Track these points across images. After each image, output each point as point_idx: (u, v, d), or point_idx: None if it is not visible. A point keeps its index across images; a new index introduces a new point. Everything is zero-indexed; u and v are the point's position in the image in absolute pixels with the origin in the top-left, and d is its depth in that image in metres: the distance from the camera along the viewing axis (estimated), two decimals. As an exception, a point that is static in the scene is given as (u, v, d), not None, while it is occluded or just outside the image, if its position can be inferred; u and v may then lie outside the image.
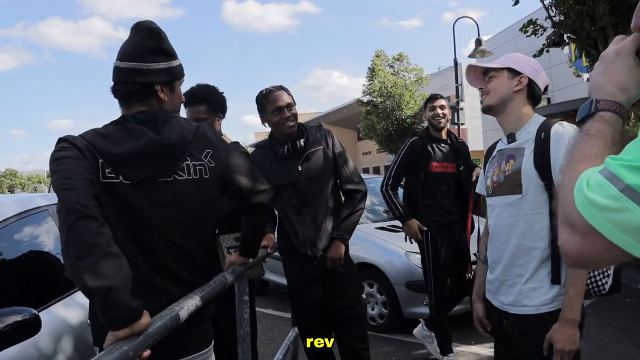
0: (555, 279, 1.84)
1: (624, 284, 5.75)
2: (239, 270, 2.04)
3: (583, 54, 11.15)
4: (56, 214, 2.77)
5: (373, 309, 5.01)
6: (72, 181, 1.40)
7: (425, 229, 3.83)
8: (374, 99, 30.22)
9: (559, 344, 1.76)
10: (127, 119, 1.63)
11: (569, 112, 22.28)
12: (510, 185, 1.93)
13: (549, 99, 26.10)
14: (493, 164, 2.08)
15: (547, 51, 11.71)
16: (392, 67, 31.12)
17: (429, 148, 3.84)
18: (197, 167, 1.68)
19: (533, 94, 1.99)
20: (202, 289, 1.65)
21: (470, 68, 2.10)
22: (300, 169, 2.81)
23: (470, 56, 15.39)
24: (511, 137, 2.01)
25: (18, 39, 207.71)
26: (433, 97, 4.12)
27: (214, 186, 1.74)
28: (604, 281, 1.87)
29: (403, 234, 5.20)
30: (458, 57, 17.92)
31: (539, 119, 1.97)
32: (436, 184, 3.84)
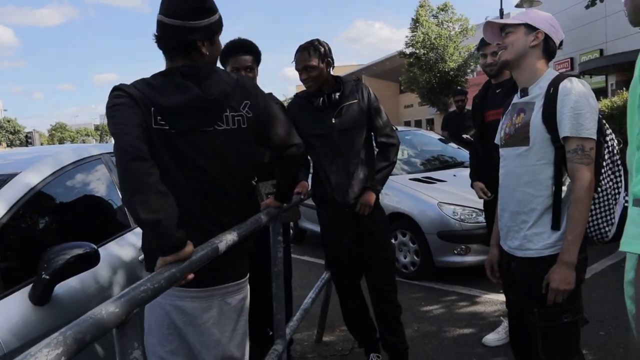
0: (556, 225, 1.97)
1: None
2: (273, 212, 2.22)
3: None
4: (108, 161, 3.02)
5: (405, 257, 5.20)
6: (126, 127, 1.57)
7: (490, 194, 3.42)
8: (417, 51, 29.54)
9: (554, 283, 1.91)
10: (173, 71, 1.78)
11: (622, 65, 21.30)
12: (520, 137, 2.04)
13: (601, 51, 24.96)
14: (507, 117, 2.19)
15: (602, 1, 11.19)
16: (436, 17, 30.20)
17: (487, 96, 3.55)
18: (236, 118, 1.83)
19: (548, 49, 2.06)
20: (239, 226, 1.84)
21: (488, 25, 2.17)
22: (334, 121, 2.93)
23: (517, 6, 14.84)
24: (524, 92, 2.09)
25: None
26: (481, 44, 3.45)
27: (251, 134, 1.89)
28: (607, 229, 1.98)
29: (437, 184, 5.34)
30: (505, 7, 17.26)
31: (551, 74, 2.03)
32: (491, 136, 3.04)
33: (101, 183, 3.00)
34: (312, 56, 2.90)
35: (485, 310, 4.14)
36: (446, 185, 5.31)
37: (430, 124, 44.59)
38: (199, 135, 1.76)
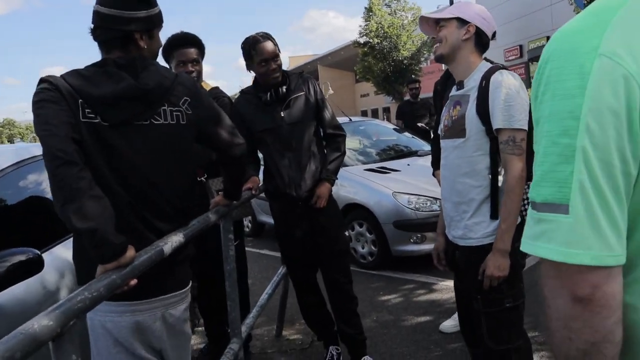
0: (494, 214, 2.05)
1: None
2: (222, 210, 2.19)
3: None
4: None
5: (363, 248, 5.23)
6: (53, 127, 1.48)
7: None
8: (371, 40, 29.71)
9: (489, 270, 2.00)
10: (107, 62, 1.69)
11: (567, 50, 22.02)
12: (457, 129, 2.10)
13: (548, 38, 25.66)
14: (446, 109, 2.24)
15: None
16: (389, 6, 30.42)
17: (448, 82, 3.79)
18: (174, 113, 1.76)
19: (481, 41, 2.11)
20: (186, 227, 1.79)
21: (422, 18, 2.21)
22: (282, 115, 2.91)
23: (466, -6, 15.05)
24: (460, 85, 2.15)
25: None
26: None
27: (190, 132, 1.82)
28: None
29: (391, 174, 5.38)
30: (455, -5, 17.50)
31: (484, 67, 2.09)
32: None
33: (45, 184, 2.89)
34: (275, 45, 2.87)
35: (442, 297, 4.22)
36: (400, 175, 5.36)
37: (386, 112, 44.98)
38: (133, 129, 1.67)
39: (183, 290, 1.86)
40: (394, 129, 7.28)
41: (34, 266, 2.06)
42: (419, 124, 7.50)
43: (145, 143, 1.70)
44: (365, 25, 29.86)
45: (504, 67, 2.11)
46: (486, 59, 2.23)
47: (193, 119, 1.82)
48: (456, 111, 2.13)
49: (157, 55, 1.90)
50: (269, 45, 2.84)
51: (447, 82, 3.58)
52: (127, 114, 1.66)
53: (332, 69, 46.55)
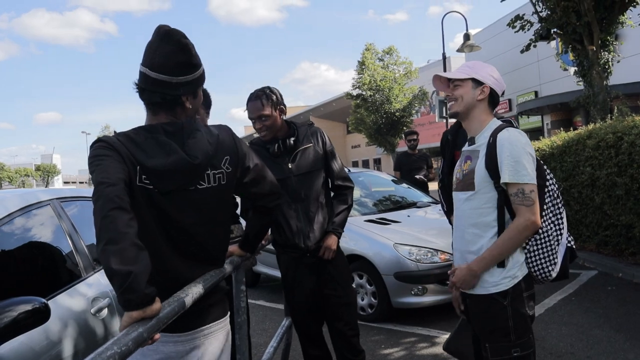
0: (501, 263, 2.08)
1: (606, 273, 5.96)
2: (237, 261, 2.15)
3: (569, 49, 11.32)
4: (57, 207, 2.87)
5: (363, 299, 5.16)
6: (112, 177, 1.53)
7: None
8: (364, 93, 30.34)
9: (455, 278, 2.15)
10: (156, 129, 1.73)
11: (555, 105, 22.55)
12: (467, 182, 2.18)
13: (536, 92, 26.35)
14: (458, 164, 2.32)
15: (535, 46, 11.90)
16: (381, 60, 31.24)
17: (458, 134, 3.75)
18: (217, 176, 1.81)
19: (493, 100, 2.23)
20: (204, 277, 1.77)
21: (436, 77, 2.31)
22: (290, 167, 2.93)
23: (458, 50, 15.53)
24: (471, 141, 2.24)
25: (3, 31, 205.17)
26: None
27: (231, 188, 1.88)
28: (550, 268, 2.11)
29: (392, 226, 5.37)
30: (445, 50, 18.04)
31: (494, 124, 2.19)
32: None
33: (50, 231, 2.85)
34: (265, 105, 2.88)
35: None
36: (401, 226, 5.35)
37: (377, 163, 45.42)
38: (181, 194, 1.73)
39: (222, 319, 1.90)
40: (392, 180, 7.33)
41: (41, 316, 2.01)
42: (417, 176, 7.56)
43: (191, 206, 1.76)
44: (359, 77, 30.55)
45: (511, 124, 2.19)
46: (497, 115, 2.31)
47: (232, 175, 1.86)
48: (467, 165, 2.21)
49: (198, 109, 1.95)
50: (255, 105, 2.89)
51: (458, 132, 3.67)
52: (177, 183, 1.72)
53: (324, 120, 47.24)
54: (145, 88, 1.75)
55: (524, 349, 2.07)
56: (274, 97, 2.90)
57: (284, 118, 3.01)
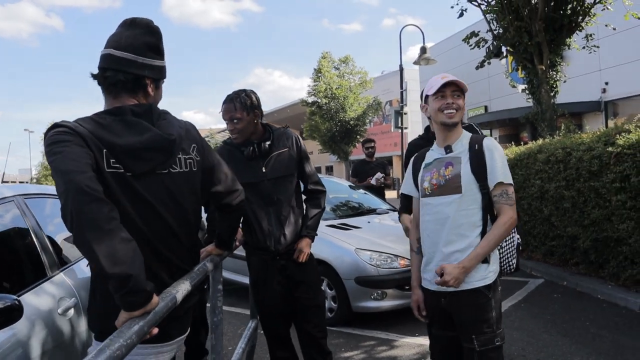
0: (486, 259, 2.25)
1: (552, 281, 6.24)
2: (216, 260, 2.18)
3: (520, 67, 11.81)
4: (21, 203, 2.79)
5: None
6: (81, 165, 1.43)
7: None
8: (319, 100, 30.49)
9: (448, 276, 2.18)
10: (123, 110, 1.65)
11: (504, 121, 23.41)
12: (451, 186, 2.31)
13: (486, 107, 27.26)
14: (430, 170, 2.42)
15: (489, 63, 12.33)
16: (337, 69, 31.48)
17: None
18: (188, 161, 1.79)
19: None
20: (189, 275, 1.78)
21: (453, 82, 2.34)
22: (264, 170, 2.95)
23: (415, 63, 15.89)
24: (449, 149, 2.38)
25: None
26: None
27: (199, 178, 1.86)
28: (513, 261, 2.40)
29: (352, 231, 5.46)
30: (400, 62, 18.44)
31: (468, 134, 2.40)
32: None
33: (13, 228, 2.77)
34: (237, 109, 2.89)
35: (404, 353, 4.24)
36: (361, 232, 5.45)
37: (329, 171, 45.67)
38: (155, 178, 1.67)
39: (184, 336, 1.86)
40: (349, 185, 7.43)
41: (13, 314, 1.97)
42: (372, 180, 7.62)
43: (166, 191, 1.70)
44: (314, 85, 30.69)
45: (473, 128, 2.52)
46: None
47: (200, 165, 1.85)
48: (449, 171, 2.32)
49: (158, 103, 1.92)
50: (228, 107, 2.90)
51: (428, 141, 3.81)
52: (152, 164, 1.65)
53: (278, 125, 47.13)
54: (108, 67, 1.67)
55: (502, 339, 2.26)
56: (248, 101, 2.90)
57: (262, 122, 3.02)
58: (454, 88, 2.33)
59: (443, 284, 2.19)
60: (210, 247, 2.24)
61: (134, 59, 1.68)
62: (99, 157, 1.53)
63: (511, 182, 2.28)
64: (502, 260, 2.37)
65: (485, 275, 2.25)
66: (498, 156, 2.28)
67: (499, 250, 2.34)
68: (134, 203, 1.62)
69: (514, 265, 2.42)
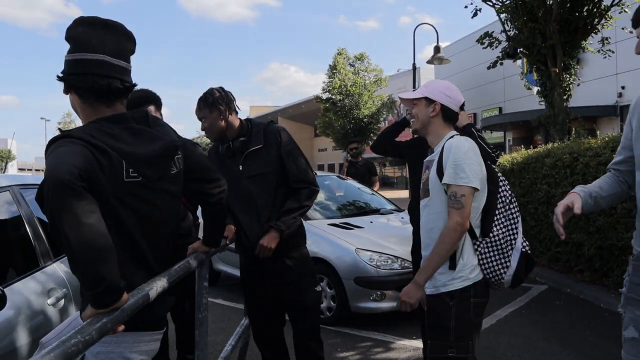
0: (452, 265, 2.18)
1: (556, 288, 6.16)
2: (201, 257, 2.17)
3: (534, 69, 11.67)
4: (17, 193, 2.82)
5: (322, 302, 5.20)
6: (66, 159, 1.40)
7: None
8: (334, 96, 30.44)
9: (403, 296, 2.22)
10: (125, 118, 1.65)
11: (518, 123, 23.18)
12: (425, 189, 2.31)
13: (500, 109, 27.03)
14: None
15: (501, 63, 12.20)
16: (352, 66, 31.41)
17: None
18: (179, 159, 1.81)
19: (448, 115, 2.34)
20: (169, 271, 1.78)
21: (401, 99, 2.46)
22: (241, 168, 2.86)
23: (428, 62, 15.79)
24: (431, 151, 2.38)
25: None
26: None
27: (181, 182, 1.85)
28: (502, 271, 2.18)
29: (354, 231, 5.44)
30: (415, 61, 18.33)
31: (449, 136, 2.31)
32: None
33: (7, 217, 2.80)
34: (201, 108, 2.85)
35: (400, 356, 4.22)
36: (363, 232, 5.42)
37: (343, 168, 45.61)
38: (162, 182, 1.71)
39: (162, 331, 1.86)
40: (357, 186, 7.39)
41: (-3, 302, 1.98)
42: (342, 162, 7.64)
43: (167, 194, 1.74)
44: (329, 81, 30.64)
45: (471, 133, 2.36)
46: (457, 128, 2.43)
47: (185, 163, 1.85)
48: (425, 175, 2.34)
49: None
50: (196, 107, 2.87)
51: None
52: (163, 169, 1.70)
53: (292, 121, 47.20)
54: (106, 75, 1.62)
55: (459, 352, 2.15)
56: (210, 98, 2.81)
57: (244, 118, 2.96)
58: (406, 102, 2.42)
59: (405, 307, 2.22)
60: (196, 244, 2.23)
61: (125, 67, 1.68)
62: (119, 169, 1.53)
63: (462, 183, 2.11)
64: (485, 268, 2.17)
65: (447, 282, 2.17)
66: (453, 156, 2.15)
67: (479, 256, 2.17)
68: (143, 210, 1.64)
69: (504, 275, 2.17)
